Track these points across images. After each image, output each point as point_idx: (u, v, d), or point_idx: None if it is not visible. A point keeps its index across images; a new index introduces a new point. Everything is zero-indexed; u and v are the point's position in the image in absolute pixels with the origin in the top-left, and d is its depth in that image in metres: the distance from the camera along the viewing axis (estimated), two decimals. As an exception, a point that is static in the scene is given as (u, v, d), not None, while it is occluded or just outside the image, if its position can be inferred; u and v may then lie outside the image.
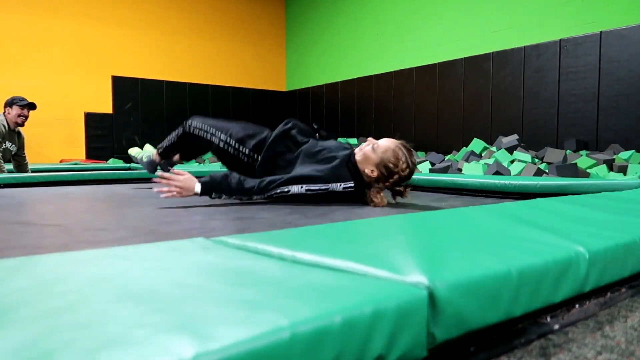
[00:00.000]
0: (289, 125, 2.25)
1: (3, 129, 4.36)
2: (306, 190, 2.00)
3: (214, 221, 1.68)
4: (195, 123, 2.34)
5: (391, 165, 2.10)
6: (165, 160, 2.89)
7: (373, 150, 2.11)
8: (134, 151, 3.05)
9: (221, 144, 2.21)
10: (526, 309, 0.77)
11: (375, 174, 2.11)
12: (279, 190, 2.00)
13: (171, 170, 2.03)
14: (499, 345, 0.71)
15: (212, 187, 1.95)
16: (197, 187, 1.94)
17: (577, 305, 0.88)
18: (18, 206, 2.07)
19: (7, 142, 4.44)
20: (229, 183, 1.96)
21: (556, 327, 0.78)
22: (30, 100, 4.53)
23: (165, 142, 2.62)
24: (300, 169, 2.06)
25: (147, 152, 2.92)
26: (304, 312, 0.54)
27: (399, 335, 0.59)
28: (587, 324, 0.80)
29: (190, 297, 0.61)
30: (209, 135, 2.28)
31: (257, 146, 2.19)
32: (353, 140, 8.06)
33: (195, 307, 0.57)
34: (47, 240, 1.35)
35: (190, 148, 2.66)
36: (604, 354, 0.69)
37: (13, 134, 4.51)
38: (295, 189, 2.00)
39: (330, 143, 2.22)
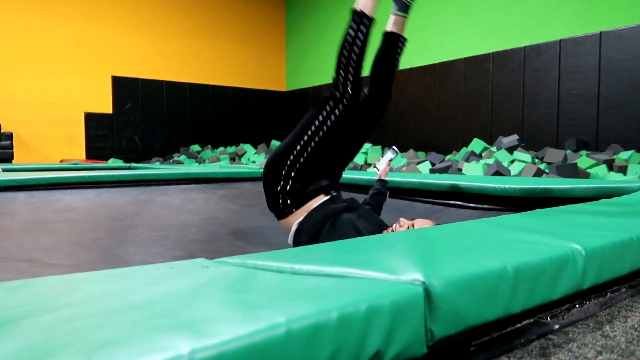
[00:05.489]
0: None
1: None
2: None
3: (217, 254, 1.71)
4: None
5: None
6: None
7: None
8: None
9: None
10: (525, 305, 0.77)
11: None
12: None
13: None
14: (499, 345, 0.71)
15: None
16: None
17: (577, 305, 0.87)
18: (22, 233, 2.08)
19: None
20: None
21: (556, 327, 0.78)
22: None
23: None
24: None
25: None
26: (300, 309, 0.55)
27: (397, 331, 0.59)
28: (587, 323, 0.80)
29: (189, 303, 0.61)
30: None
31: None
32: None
33: (194, 310, 0.57)
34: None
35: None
36: (604, 354, 0.69)
37: None
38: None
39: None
